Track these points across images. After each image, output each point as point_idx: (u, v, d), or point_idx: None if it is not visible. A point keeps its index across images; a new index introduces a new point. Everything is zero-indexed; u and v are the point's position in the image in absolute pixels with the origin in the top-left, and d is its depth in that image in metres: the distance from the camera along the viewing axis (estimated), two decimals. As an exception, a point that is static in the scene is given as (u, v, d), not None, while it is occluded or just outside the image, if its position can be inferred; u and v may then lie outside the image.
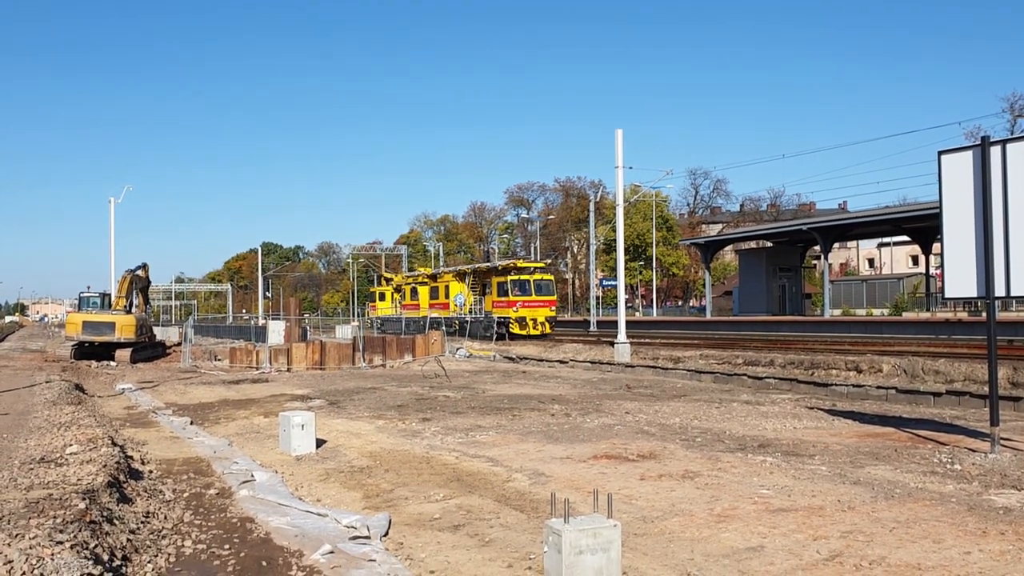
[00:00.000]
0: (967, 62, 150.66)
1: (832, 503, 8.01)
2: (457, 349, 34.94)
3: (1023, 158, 10.24)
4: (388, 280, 61.50)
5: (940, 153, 11.21)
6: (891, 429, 13.01)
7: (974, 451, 10.71)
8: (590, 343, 36.39)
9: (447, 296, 49.05)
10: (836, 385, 19.35)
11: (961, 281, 10.94)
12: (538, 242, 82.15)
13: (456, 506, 8.23)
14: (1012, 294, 10.56)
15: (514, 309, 41.53)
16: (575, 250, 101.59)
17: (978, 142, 10.85)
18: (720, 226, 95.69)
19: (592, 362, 29.12)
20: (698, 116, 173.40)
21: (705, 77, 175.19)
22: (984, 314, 11.42)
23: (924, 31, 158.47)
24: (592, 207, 56.44)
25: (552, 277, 45.54)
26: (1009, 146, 10.48)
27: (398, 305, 56.47)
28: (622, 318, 31.12)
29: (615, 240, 33.22)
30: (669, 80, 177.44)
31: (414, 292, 53.45)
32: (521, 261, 45.58)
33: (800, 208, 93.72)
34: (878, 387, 18.39)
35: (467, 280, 47.73)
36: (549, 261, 58.09)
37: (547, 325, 42.56)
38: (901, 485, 8.82)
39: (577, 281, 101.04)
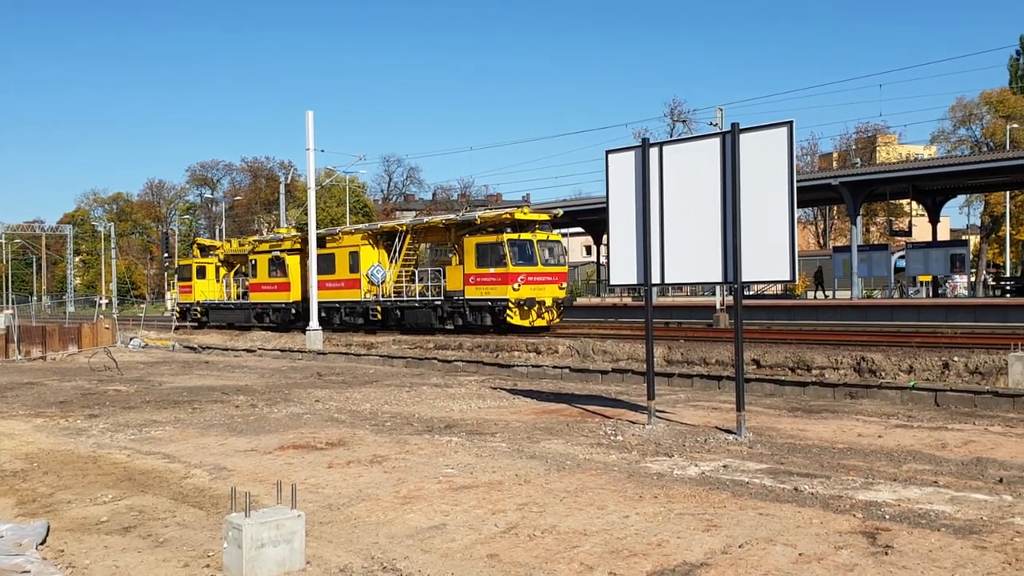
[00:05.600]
0: (635, 66, 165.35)
1: (510, 478, 8.46)
2: (131, 339, 32.48)
3: (677, 159, 11.42)
4: (207, 249, 43.90)
5: (607, 152, 12.20)
6: (564, 405, 14.00)
7: (634, 423, 11.81)
8: (281, 331, 35.49)
9: (354, 269, 32.64)
10: (518, 366, 20.45)
11: (624, 270, 12.01)
12: (224, 224, 78.59)
13: (127, 507, 7.65)
14: (667, 282, 11.77)
15: (514, 287, 27.33)
16: (264, 234, 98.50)
17: (640, 143, 11.95)
18: (414, 213, 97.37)
19: (282, 350, 28.44)
20: (391, 103, 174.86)
21: (397, 63, 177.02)
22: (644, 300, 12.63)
23: (597, 33, 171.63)
24: (283, 189, 55.02)
25: (560, 238, 30.69)
26: (666, 148, 11.64)
27: (236, 284, 40.36)
28: (314, 304, 30.66)
29: (307, 224, 32.53)
30: (361, 64, 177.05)
31: (276, 264, 36.26)
32: (522, 210, 29.78)
33: (488, 199, 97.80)
34: (554, 367, 19.70)
35: (398, 242, 31.87)
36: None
37: (555, 311, 28.43)
38: (571, 457, 9.51)
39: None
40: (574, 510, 7.20)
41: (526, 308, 27.39)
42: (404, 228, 31.97)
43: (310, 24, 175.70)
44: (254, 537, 5.56)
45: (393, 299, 31.31)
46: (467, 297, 28.67)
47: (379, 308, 31.97)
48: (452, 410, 13.63)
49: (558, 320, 28.96)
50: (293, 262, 35.86)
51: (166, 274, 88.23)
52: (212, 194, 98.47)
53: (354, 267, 32.74)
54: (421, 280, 30.62)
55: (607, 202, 12.24)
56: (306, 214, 33.68)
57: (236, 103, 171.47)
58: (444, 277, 29.86)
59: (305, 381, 18.84)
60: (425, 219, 32.35)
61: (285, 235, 38.42)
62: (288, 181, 59.92)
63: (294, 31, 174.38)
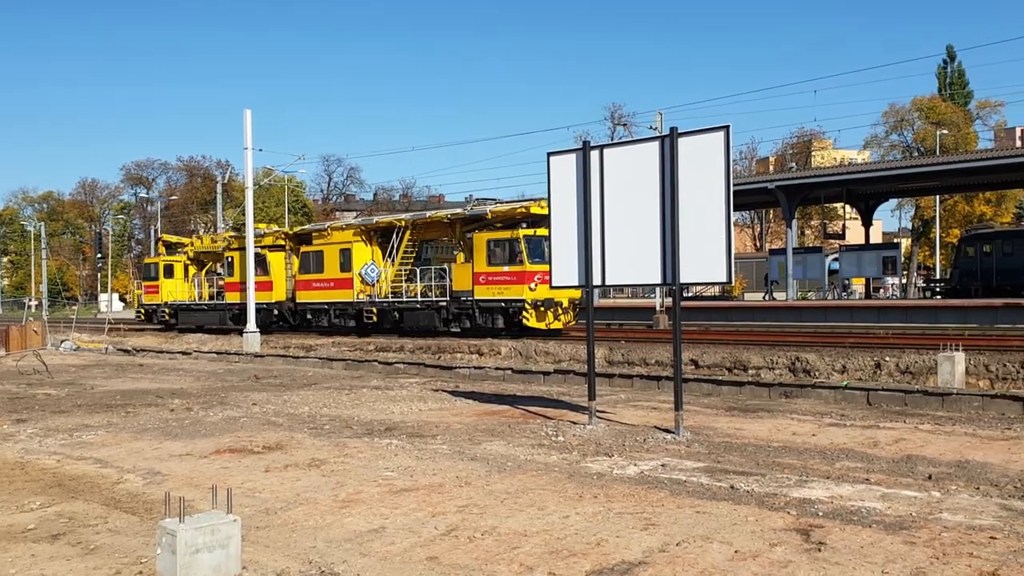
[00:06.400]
0: (577, 69, 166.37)
1: (451, 480, 8.43)
2: (62, 342, 31.63)
3: (617, 162, 11.50)
4: (173, 246, 41.08)
5: (549, 154, 12.24)
6: (506, 407, 14.01)
7: (575, 423, 11.86)
8: (217, 332, 34.90)
9: (346, 267, 30.70)
10: (460, 368, 20.39)
11: (566, 271, 12.07)
12: (159, 224, 77.04)
13: (56, 513, 7.44)
14: (608, 283, 11.85)
15: (531, 287, 25.72)
16: (201, 233, 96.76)
17: (581, 146, 12.02)
18: (355, 214, 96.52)
19: (219, 353, 27.94)
20: (331, 103, 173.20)
21: (337, 63, 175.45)
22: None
23: (539, 35, 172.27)
24: (220, 189, 54.12)
25: None
26: (606, 151, 11.72)
27: (208, 284, 37.85)
28: (251, 306, 30.22)
29: (245, 224, 32.01)
30: (300, 64, 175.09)
31: (256, 262, 32.63)
32: (539, 204, 25.94)
33: (430, 199, 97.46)
34: (497, 368, 19.70)
35: (396, 239, 29.82)
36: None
37: (572, 312, 27.07)
38: (513, 458, 9.51)
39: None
40: (515, 511, 7.20)
41: (543, 309, 25.76)
42: (403, 223, 29.82)
43: (248, 24, 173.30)
44: (188, 543, 5.45)
45: (391, 300, 29.45)
46: (477, 298, 26.78)
47: (375, 309, 30.01)
48: (392, 412, 13.54)
49: (573, 323, 27.40)
50: (276, 259, 33.72)
51: (99, 275, 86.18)
52: (147, 193, 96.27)
53: (345, 265, 30.70)
54: (423, 279, 28.80)
55: (549, 204, 12.28)
56: (244, 214, 33.14)
57: (172, 102, 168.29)
58: (450, 276, 27.95)
59: (242, 384, 18.54)
60: (428, 214, 30.63)
61: (266, 230, 35.83)
62: (225, 180, 58.93)
63: (232, 30, 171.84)
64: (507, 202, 32.12)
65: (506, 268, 26.11)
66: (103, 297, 79.24)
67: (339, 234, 31.45)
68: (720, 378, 16.37)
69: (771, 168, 73.86)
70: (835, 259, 45.54)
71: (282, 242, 33.95)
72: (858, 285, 47.33)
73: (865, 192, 43.50)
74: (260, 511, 7.36)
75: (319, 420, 12.76)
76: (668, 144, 10.87)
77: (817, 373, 16.78)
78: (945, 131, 61.09)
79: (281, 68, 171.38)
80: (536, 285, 25.57)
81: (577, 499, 7.58)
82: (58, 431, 11.98)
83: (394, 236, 30.01)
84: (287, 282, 33.55)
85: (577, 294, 26.33)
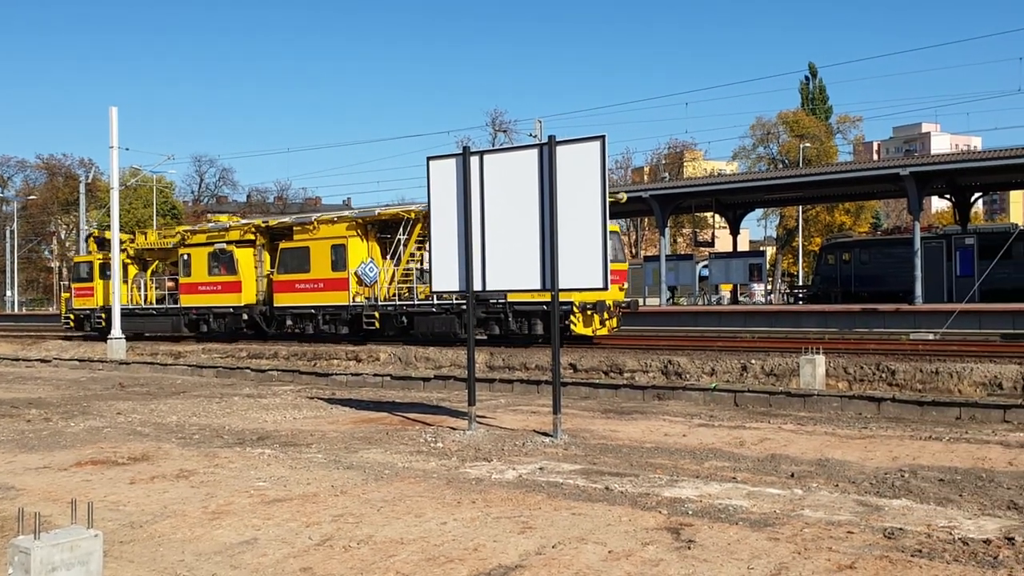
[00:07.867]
0: (457, 74, 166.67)
1: (326, 489, 8.28)
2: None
3: (498, 169, 11.57)
4: (107, 244, 32.85)
5: (429, 159, 12.21)
6: (385, 414, 13.86)
7: (455, 429, 11.85)
8: (79, 339, 33.22)
9: (339, 266, 26.89)
10: (337, 374, 20.07)
11: (447, 276, 12.05)
12: (16, 225, 72.77)
13: None
14: (488, 289, 11.90)
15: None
16: (63, 236, 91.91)
17: (461, 151, 12.04)
18: (227, 215, 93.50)
19: (81, 360, 26.60)
20: (202, 103, 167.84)
21: (207, 63, 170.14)
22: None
23: (419, 39, 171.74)
24: (83, 188, 51.63)
25: (617, 228, 25.79)
26: (486, 157, 11.78)
27: (154, 286, 32.79)
28: (117, 310, 28.93)
29: (111, 225, 30.58)
30: (171, 61, 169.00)
31: (219, 259, 29.59)
32: None
33: (307, 202, 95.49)
34: (375, 375, 19.48)
35: (404, 234, 26.33)
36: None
37: (617, 316, 24.64)
38: (390, 466, 9.42)
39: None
40: (391, 519, 7.14)
41: (590, 313, 22.98)
42: (413, 215, 26.05)
43: (115, 22, 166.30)
44: (44, 560, 5.16)
45: (397, 303, 25.97)
46: (511, 300, 23.54)
47: (376, 314, 26.26)
48: (265, 421, 13.20)
49: (617, 328, 24.90)
50: (245, 256, 29.39)
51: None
52: (3, 192, 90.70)
53: (338, 264, 26.91)
54: (404, 278, 26.03)
55: (429, 209, 12.25)
56: (108, 215, 31.66)
57: (31, 99, 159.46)
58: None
59: (106, 393, 17.72)
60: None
61: (230, 223, 31.40)
62: (89, 180, 56.29)
63: (98, 29, 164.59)
64: None
65: None
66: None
67: (329, 228, 27.61)
68: (597, 381, 16.70)
69: (645, 177, 75.92)
70: (705, 266, 47.13)
71: (252, 236, 29.82)
72: (726, 291, 49.16)
73: (733, 202, 45.24)
74: (125, 525, 7.04)
75: (188, 429, 12.32)
76: (547, 152, 11.01)
77: (688, 376, 17.32)
78: (808, 144, 64.21)
79: (150, 68, 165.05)
80: None
81: (455, 505, 7.58)
82: (-102, 446, 11.15)
83: (400, 230, 26.64)
84: (259, 283, 29.56)
85: (620, 295, 24.78)
